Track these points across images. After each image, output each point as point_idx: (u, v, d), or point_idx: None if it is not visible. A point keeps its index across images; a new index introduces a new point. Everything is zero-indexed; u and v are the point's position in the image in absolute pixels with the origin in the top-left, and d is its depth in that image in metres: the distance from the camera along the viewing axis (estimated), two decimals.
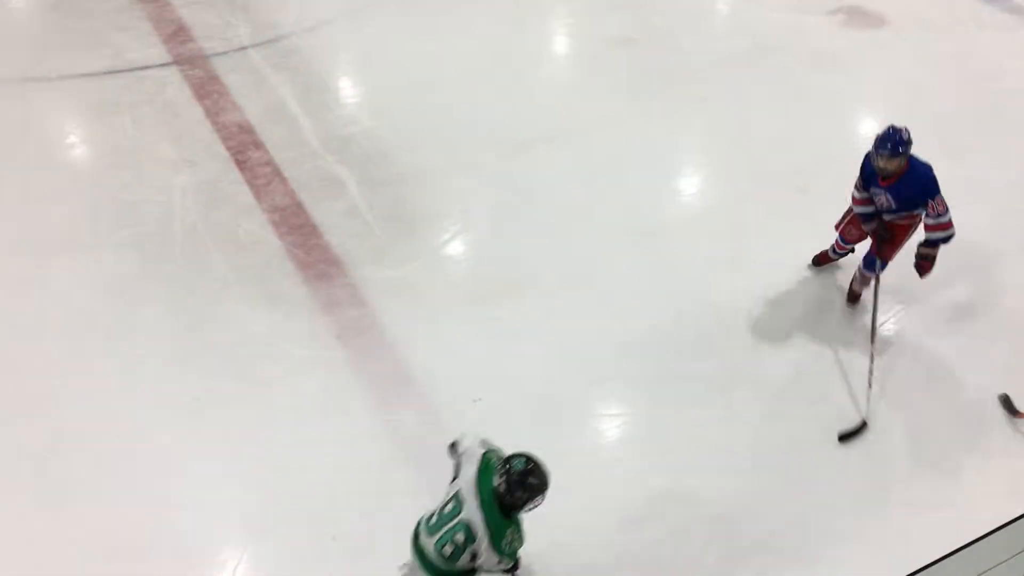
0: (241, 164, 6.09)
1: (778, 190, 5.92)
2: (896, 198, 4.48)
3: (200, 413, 4.49)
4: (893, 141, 4.33)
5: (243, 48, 7.31)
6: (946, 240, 4.47)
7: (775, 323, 4.99)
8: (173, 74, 6.98)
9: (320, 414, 4.49)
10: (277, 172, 6.02)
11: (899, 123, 4.42)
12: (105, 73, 6.96)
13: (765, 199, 5.86)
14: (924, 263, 4.55)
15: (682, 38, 7.58)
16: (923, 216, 4.51)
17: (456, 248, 5.65)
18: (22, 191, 5.85)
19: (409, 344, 4.84)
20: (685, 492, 4.14)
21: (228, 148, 6.23)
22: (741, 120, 6.63)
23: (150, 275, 5.25)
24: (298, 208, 5.73)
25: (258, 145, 6.26)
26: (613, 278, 5.28)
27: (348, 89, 7.22)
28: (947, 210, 4.39)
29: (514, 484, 3.10)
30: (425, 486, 4.14)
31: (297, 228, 5.58)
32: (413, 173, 6.06)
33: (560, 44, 8.04)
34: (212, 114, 6.56)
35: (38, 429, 4.40)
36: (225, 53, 7.25)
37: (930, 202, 4.38)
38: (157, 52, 7.23)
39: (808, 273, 5.31)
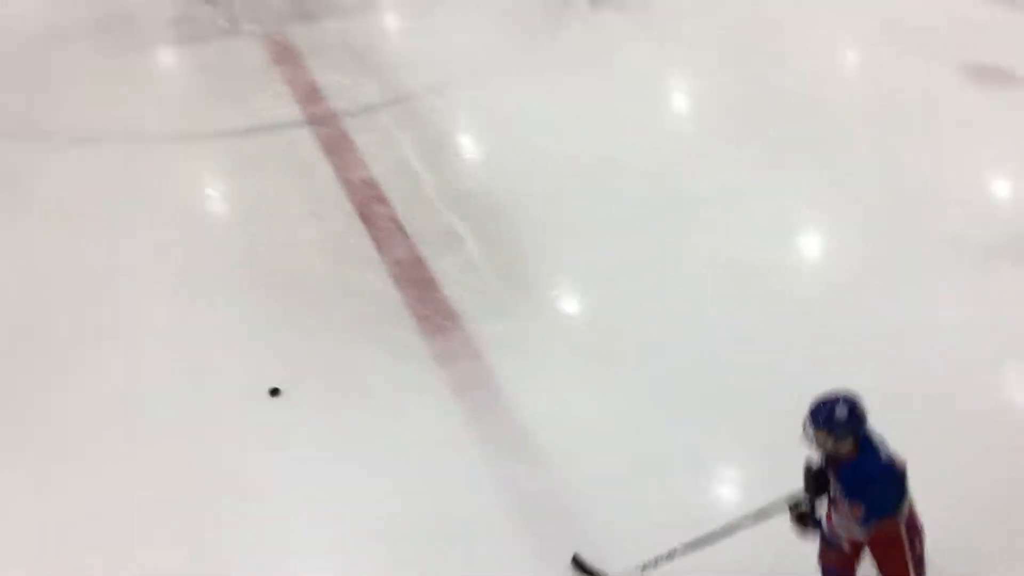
0: (366, 218, 6.33)
1: (915, 252, 5.72)
2: (843, 487, 3.32)
3: (315, 458, 4.61)
4: (822, 414, 3.28)
5: (372, 108, 7.64)
6: (825, 540, 3.48)
7: (905, 388, 4.79)
8: (306, 132, 7.35)
9: (432, 465, 4.54)
10: (399, 227, 6.22)
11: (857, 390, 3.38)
12: (245, 131, 7.38)
13: (894, 261, 5.66)
14: (805, 523, 3.50)
15: (804, 93, 7.49)
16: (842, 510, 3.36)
17: (571, 305, 5.68)
18: (164, 242, 6.21)
19: (522, 399, 4.87)
20: (803, 552, 3.97)
21: (354, 203, 6.50)
22: (869, 178, 6.46)
23: (276, 323, 5.47)
24: (418, 262, 5.90)
25: (382, 200, 6.50)
26: (733, 342, 5.18)
27: (469, 147, 7.43)
28: (862, 525, 3.29)
29: None
30: (535, 541, 4.16)
31: (417, 281, 5.74)
32: (530, 230, 6.15)
33: (680, 104, 8.06)
34: (340, 170, 6.86)
35: (160, 464, 4.61)
36: (355, 113, 7.59)
37: (859, 504, 3.26)
38: (292, 112, 7.63)
39: (950, 337, 5.06)
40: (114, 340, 5.43)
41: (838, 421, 3.27)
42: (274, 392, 4.99)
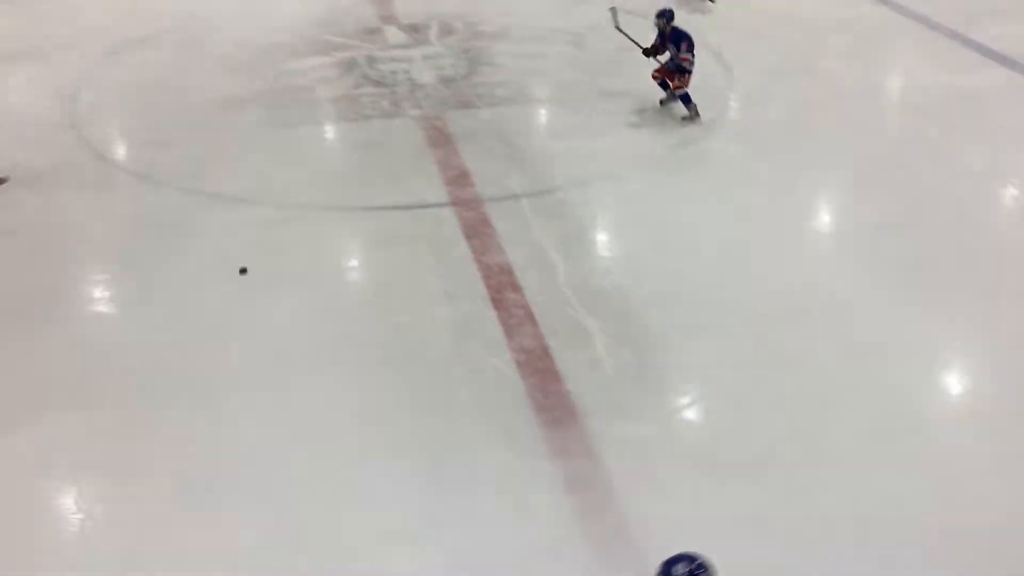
0: (497, 303, 6.41)
1: None
2: None
3: (422, 540, 4.62)
4: (664, 569, 3.22)
5: (516, 197, 7.81)
6: None
7: None
8: (450, 214, 7.58)
9: (539, 560, 4.47)
10: (529, 315, 6.27)
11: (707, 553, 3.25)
12: (392, 207, 7.69)
13: None
14: None
15: (956, 224, 7.20)
16: None
17: (694, 413, 5.55)
18: (301, 305, 6.46)
19: (635, 505, 4.75)
20: None
21: (488, 287, 6.60)
22: None
23: (398, 397, 5.57)
24: (544, 352, 5.91)
25: (515, 287, 6.58)
26: (861, 472, 4.93)
27: (606, 245, 7.48)
28: None
29: None
30: None
31: (540, 371, 5.74)
32: (660, 332, 6.09)
33: (819, 220, 7.88)
34: (478, 253, 7.01)
35: (259, 525, 4.72)
36: (499, 200, 7.78)
37: None
38: (439, 193, 7.90)
39: None
40: (235, 393, 5.65)
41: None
42: (243, 271, 6.56)
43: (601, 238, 7.58)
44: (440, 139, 8.86)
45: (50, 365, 5.93)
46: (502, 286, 6.61)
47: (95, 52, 10.76)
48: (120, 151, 8.94)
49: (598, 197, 7.93)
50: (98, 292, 6.90)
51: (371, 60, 10.69)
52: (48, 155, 8.45)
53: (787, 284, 6.56)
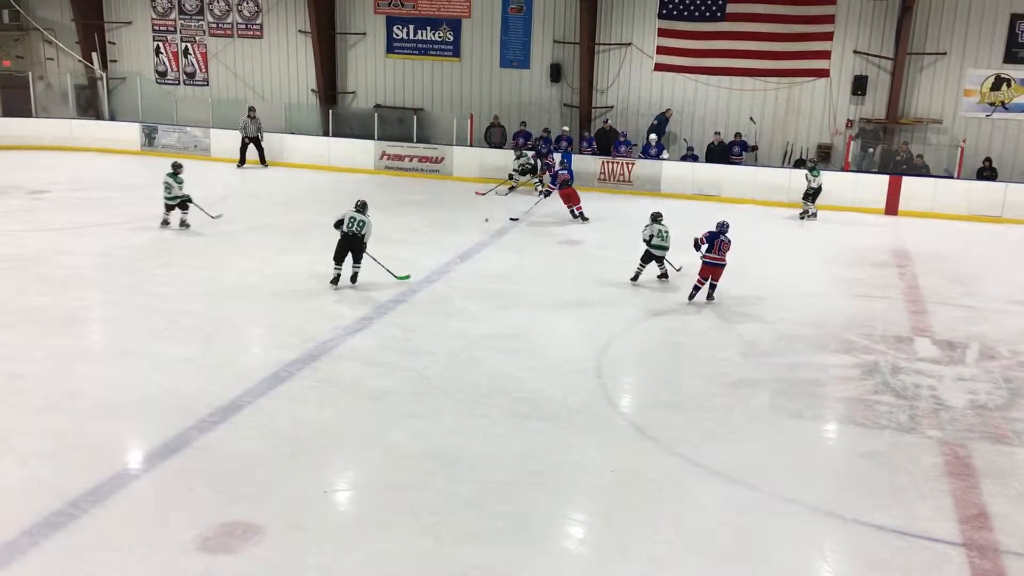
0: None
1: None
2: None
3: None
4: None
5: None
6: None
7: None
8: (958, 557, 6.65)
9: None
10: None
11: None
12: (889, 530, 6.97)
13: None
14: None
15: None
16: None
17: None
18: None
19: None
20: None
21: None
22: None
23: None
24: None
25: None
26: None
27: None
28: None
29: None
30: None
31: None
32: None
33: None
34: None
35: None
36: (1020, 554, 6.64)
37: None
38: (949, 530, 7.00)
39: None
40: None
41: None
42: None
43: None
44: (960, 470, 7.94)
45: None
46: None
47: (635, 314, 11.94)
48: (628, 403, 9.55)
49: None
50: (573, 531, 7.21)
51: (895, 369, 10.21)
52: (573, 394, 9.31)
53: None
